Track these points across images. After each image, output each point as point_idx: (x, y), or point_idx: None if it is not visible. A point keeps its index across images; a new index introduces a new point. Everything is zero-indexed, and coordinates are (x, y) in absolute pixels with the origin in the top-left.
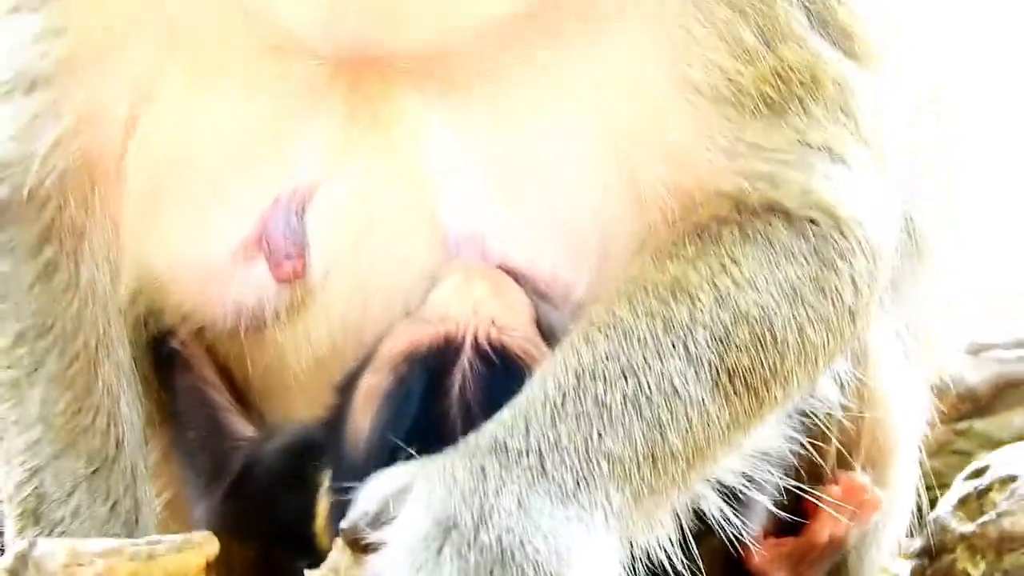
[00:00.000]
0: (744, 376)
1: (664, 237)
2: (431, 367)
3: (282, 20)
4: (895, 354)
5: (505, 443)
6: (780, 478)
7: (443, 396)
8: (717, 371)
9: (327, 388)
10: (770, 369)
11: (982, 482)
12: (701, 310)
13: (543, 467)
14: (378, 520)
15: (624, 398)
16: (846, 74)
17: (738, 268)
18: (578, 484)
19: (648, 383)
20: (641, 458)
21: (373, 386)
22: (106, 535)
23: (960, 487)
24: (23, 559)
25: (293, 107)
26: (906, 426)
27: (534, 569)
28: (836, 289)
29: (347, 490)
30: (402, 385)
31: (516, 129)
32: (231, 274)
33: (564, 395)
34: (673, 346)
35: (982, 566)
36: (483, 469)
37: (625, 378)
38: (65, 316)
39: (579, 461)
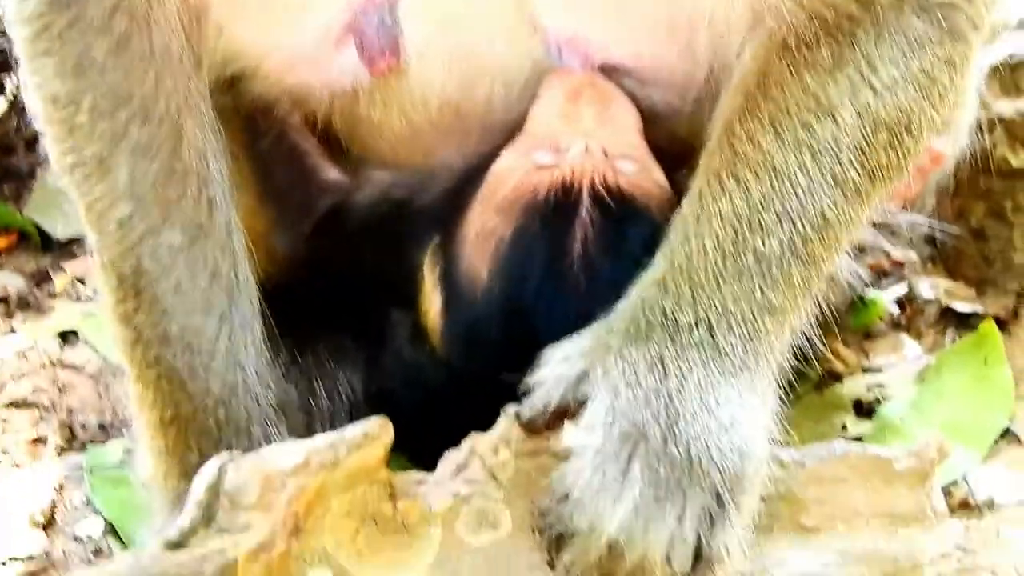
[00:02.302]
0: (883, 171)
1: (793, 35)
2: (551, 224)
3: None
4: None
5: (676, 318)
6: None
7: (566, 254)
8: (859, 181)
9: (423, 158)
10: (906, 153)
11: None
12: (844, 130)
13: (714, 340)
14: (557, 412)
15: (782, 245)
16: None
17: (876, 76)
18: (746, 348)
19: (804, 224)
20: (800, 298)
21: (489, 229)
22: (210, 305)
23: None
24: (215, 491)
25: None
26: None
27: (720, 472)
28: (964, 57)
29: (464, 318)
30: (522, 240)
31: None
32: (323, 61)
33: (724, 253)
34: (822, 175)
35: (1022, 155)
36: (662, 361)
37: (781, 224)
38: (143, 85)
39: (745, 324)
